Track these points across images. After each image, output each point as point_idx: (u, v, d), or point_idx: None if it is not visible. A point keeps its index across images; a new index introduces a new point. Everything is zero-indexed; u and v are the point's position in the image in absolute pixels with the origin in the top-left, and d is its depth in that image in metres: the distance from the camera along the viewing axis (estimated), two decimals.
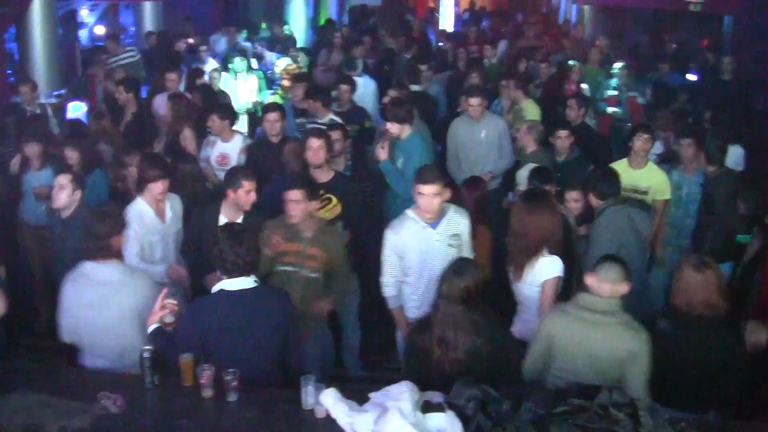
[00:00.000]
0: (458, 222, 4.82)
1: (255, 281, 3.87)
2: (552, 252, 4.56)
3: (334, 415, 3.45)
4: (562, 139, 6.66)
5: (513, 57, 11.48)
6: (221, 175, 6.17)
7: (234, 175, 5.11)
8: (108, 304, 4.11)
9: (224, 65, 10.34)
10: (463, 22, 18.65)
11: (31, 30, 9.32)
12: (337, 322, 5.68)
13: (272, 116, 6.75)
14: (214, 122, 6.90)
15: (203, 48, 11.10)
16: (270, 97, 9.90)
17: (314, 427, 3.51)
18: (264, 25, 13.97)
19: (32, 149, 6.30)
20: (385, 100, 7.72)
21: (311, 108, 7.44)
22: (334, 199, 5.57)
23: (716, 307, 3.89)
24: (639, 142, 6.14)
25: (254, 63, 11.11)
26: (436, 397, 3.47)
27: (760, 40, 10.96)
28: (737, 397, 4.01)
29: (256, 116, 9.42)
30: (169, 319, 3.90)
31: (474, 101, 7.09)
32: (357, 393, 3.57)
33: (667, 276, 5.59)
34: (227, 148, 6.89)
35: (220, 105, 7.71)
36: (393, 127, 6.30)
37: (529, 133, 6.77)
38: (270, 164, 6.32)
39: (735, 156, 6.85)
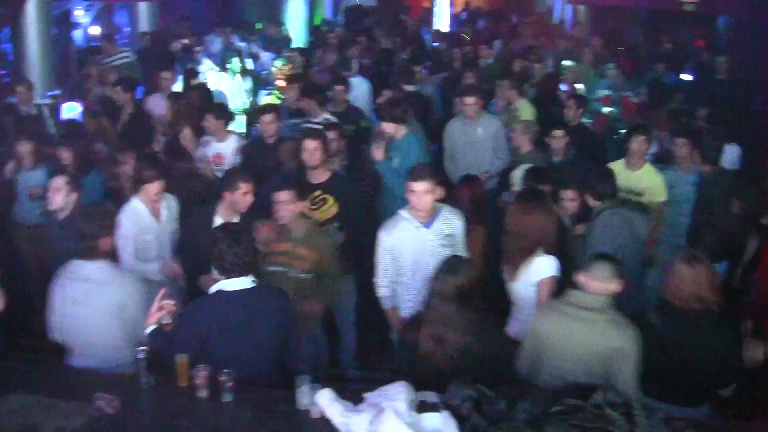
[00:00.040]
0: (452, 222, 4.84)
1: (253, 281, 3.88)
2: (547, 252, 4.58)
3: (330, 415, 3.45)
4: (558, 139, 6.66)
5: (508, 57, 11.51)
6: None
7: (231, 177, 5.11)
8: (90, 300, 4.13)
9: (222, 65, 10.35)
10: (460, 22, 18.65)
11: (26, 30, 9.31)
12: (334, 323, 5.69)
13: (267, 117, 6.77)
14: (209, 122, 6.90)
15: (198, 48, 11.10)
16: (266, 98, 9.91)
17: (311, 428, 3.51)
18: (259, 26, 13.96)
19: (24, 148, 6.30)
20: (380, 100, 7.72)
21: (307, 107, 7.44)
22: (330, 200, 5.58)
23: (706, 301, 3.92)
24: (636, 143, 6.15)
25: (249, 63, 11.11)
26: (431, 397, 3.47)
27: (757, 40, 11.02)
28: (732, 394, 4.03)
29: (253, 116, 9.42)
30: (166, 319, 3.91)
31: (469, 101, 7.10)
32: (354, 393, 3.58)
33: (662, 275, 5.61)
34: (222, 148, 6.89)
35: (216, 105, 7.71)
36: (389, 127, 6.30)
37: (525, 133, 6.79)
38: (265, 165, 6.33)
39: (732, 155, 6.87)
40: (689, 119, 7.90)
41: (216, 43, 12.30)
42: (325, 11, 17.92)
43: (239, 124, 9.18)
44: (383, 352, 5.86)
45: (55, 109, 8.61)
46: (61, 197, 5.25)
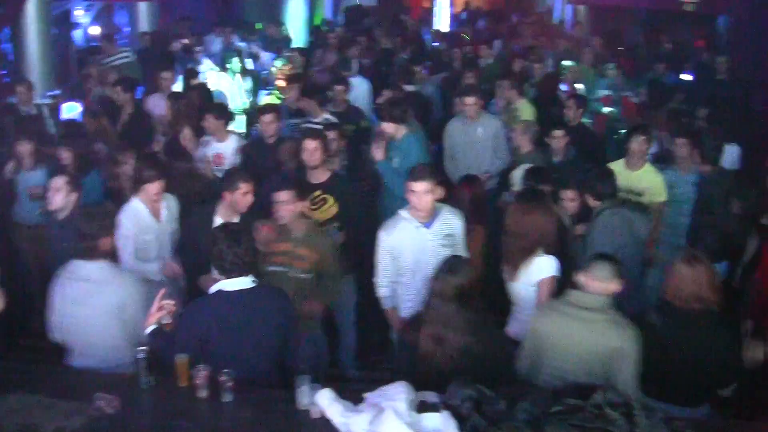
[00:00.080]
0: (452, 222, 4.84)
1: (253, 281, 3.88)
2: (547, 252, 4.58)
3: (330, 415, 3.45)
4: (558, 139, 6.66)
5: (508, 57, 11.51)
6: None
7: (231, 177, 5.12)
8: (90, 300, 4.13)
9: (222, 65, 10.35)
10: (460, 22, 18.66)
11: (26, 30, 9.32)
12: (334, 323, 5.69)
13: (267, 118, 6.78)
14: (209, 122, 6.90)
15: (198, 48, 11.10)
16: (266, 98, 9.91)
17: (311, 428, 3.51)
18: (259, 26, 13.96)
19: (24, 148, 6.30)
20: (380, 100, 7.72)
21: (307, 107, 7.44)
22: (330, 200, 5.58)
23: (706, 301, 3.92)
24: (636, 143, 6.15)
25: (249, 63, 11.11)
26: (431, 397, 3.47)
27: (757, 40, 11.02)
28: (732, 394, 4.04)
29: (253, 116, 9.42)
30: (166, 319, 3.91)
31: (469, 101, 7.09)
32: (354, 393, 3.58)
33: (662, 275, 5.61)
34: (222, 148, 6.89)
35: (216, 105, 7.71)
36: (389, 127, 6.30)
37: (525, 133, 6.79)
38: (265, 165, 6.33)
39: (732, 155, 6.87)
40: (689, 119, 7.90)
41: (216, 43, 12.30)
42: (325, 11, 17.92)
43: (239, 124, 9.18)
44: (383, 352, 5.85)
45: (55, 109, 8.61)
46: (61, 197, 5.25)
